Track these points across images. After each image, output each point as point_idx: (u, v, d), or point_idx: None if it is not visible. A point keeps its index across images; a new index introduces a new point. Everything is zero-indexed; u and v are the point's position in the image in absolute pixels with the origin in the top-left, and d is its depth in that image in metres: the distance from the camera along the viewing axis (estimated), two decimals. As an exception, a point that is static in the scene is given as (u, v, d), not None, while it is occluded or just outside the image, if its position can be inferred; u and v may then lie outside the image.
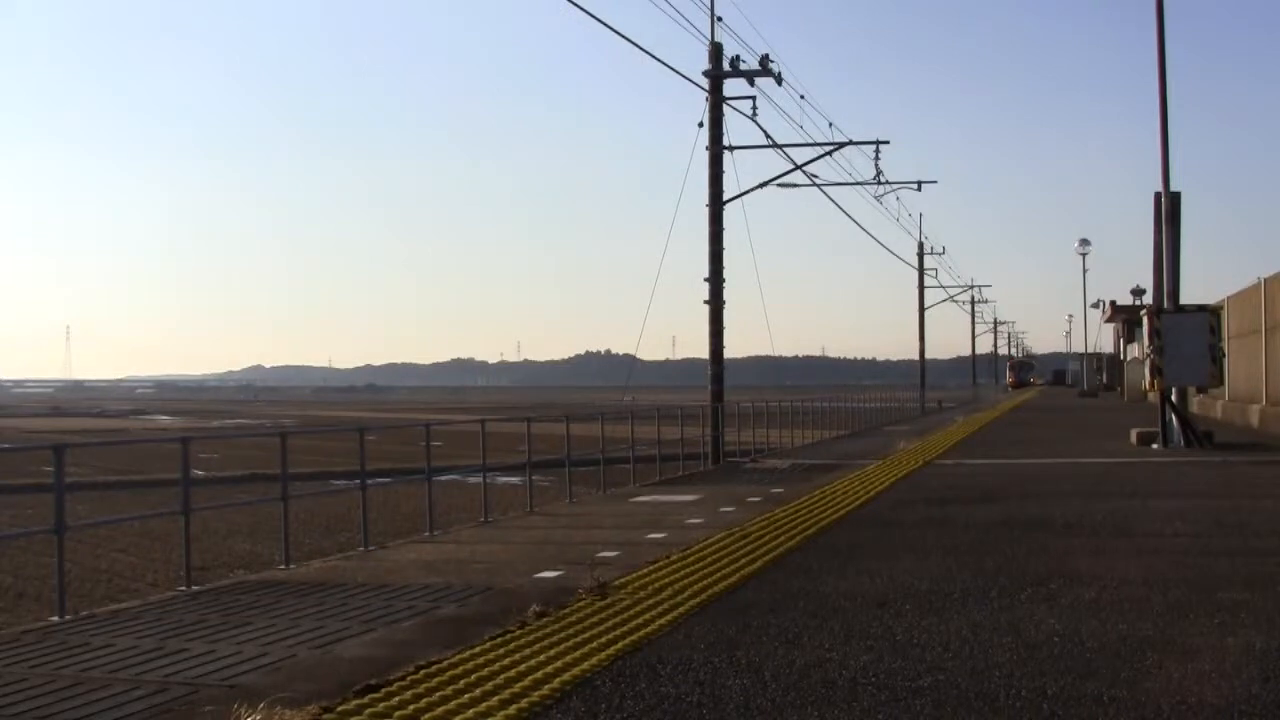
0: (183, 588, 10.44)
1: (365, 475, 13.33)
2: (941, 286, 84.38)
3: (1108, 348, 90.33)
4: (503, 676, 6.38)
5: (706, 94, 25.83)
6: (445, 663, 6.75)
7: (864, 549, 10.92)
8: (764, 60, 26.26)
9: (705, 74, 25.77)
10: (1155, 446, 24.35)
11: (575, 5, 18.68)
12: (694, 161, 30.11)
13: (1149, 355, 25.30)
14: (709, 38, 25.65)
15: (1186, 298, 25.64)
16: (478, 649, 7.09)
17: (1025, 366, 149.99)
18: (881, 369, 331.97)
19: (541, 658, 6.78)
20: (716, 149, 25.98)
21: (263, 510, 21.62)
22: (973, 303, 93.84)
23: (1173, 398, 24.68)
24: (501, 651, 6.99)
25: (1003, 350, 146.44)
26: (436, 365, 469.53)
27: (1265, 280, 30.20)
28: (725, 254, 25.92)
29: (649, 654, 6.88)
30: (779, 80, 26.77)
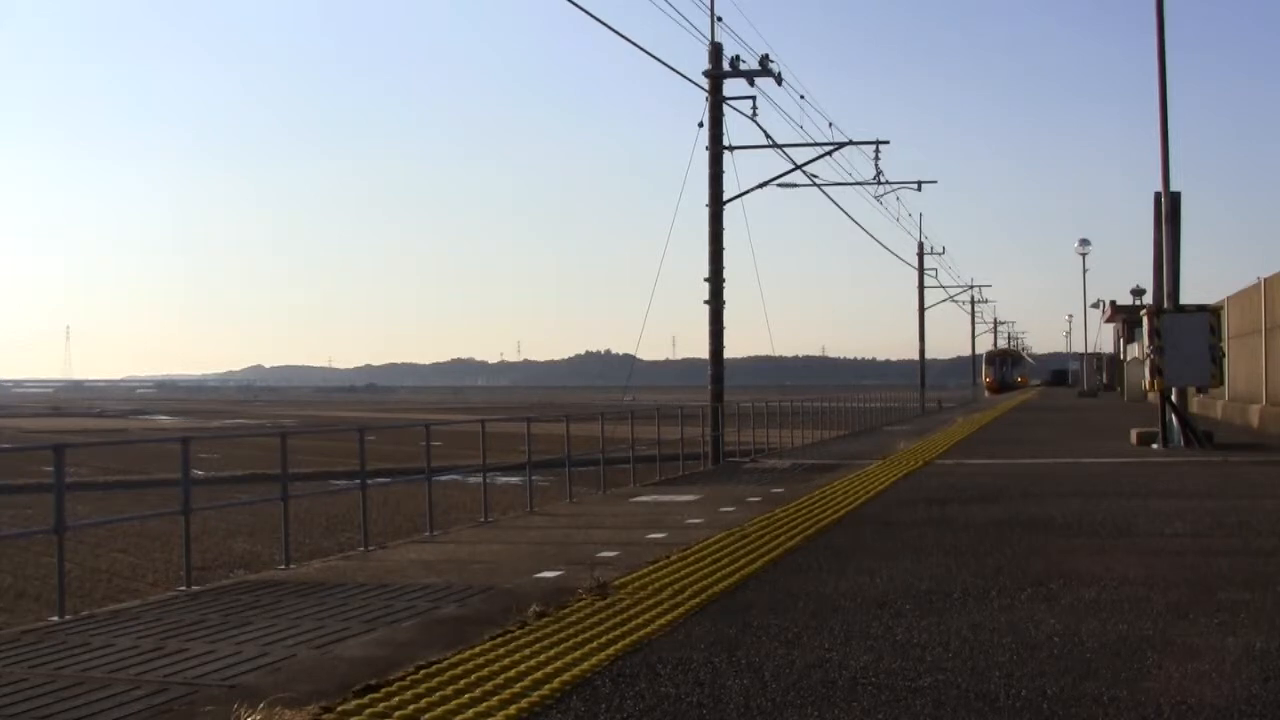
0: (183, 588, 10.44)
1: (365, 475, 13.33)
2: (941, 286, 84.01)
3: (1108, 348, 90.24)
4: (503, 676, 6.38)
5: (706, 94, 25.83)
6: (445, 663, 6.75)
7: (864, 549, 10.92)
8: (764, 60, 26.27)
9: (705, 74, 25.77)
10: (1155, 446, 24.34)
11: (575, 5, 18.69)
12: (694, 161, 30.14)
13: (1149, 355, 25.29)
14: (709, 38, 25.67)
15: (1186, 298, 25.64)
16: (478, 649, 7.08)
17: (1009, 360, 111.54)
18: (881, 369, 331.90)
19: (541, 658, 6.77)
20: (716, 149, 25.97)
21: (263, 510, 21.62)
22: (973, 303, 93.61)
23: (1173, 398, 24.67)
24: (501, 651, 6.99)
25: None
26: (436, 365, 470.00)
27: (1265, 280, 30.18)
28: (725, 254, 25.94)
29: (649, 654, 6.88)
30: (779, 80, 26.79)
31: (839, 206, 47.94)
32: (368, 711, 5.83)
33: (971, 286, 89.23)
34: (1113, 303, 72.90)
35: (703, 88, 25.79)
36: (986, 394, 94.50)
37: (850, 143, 30.94)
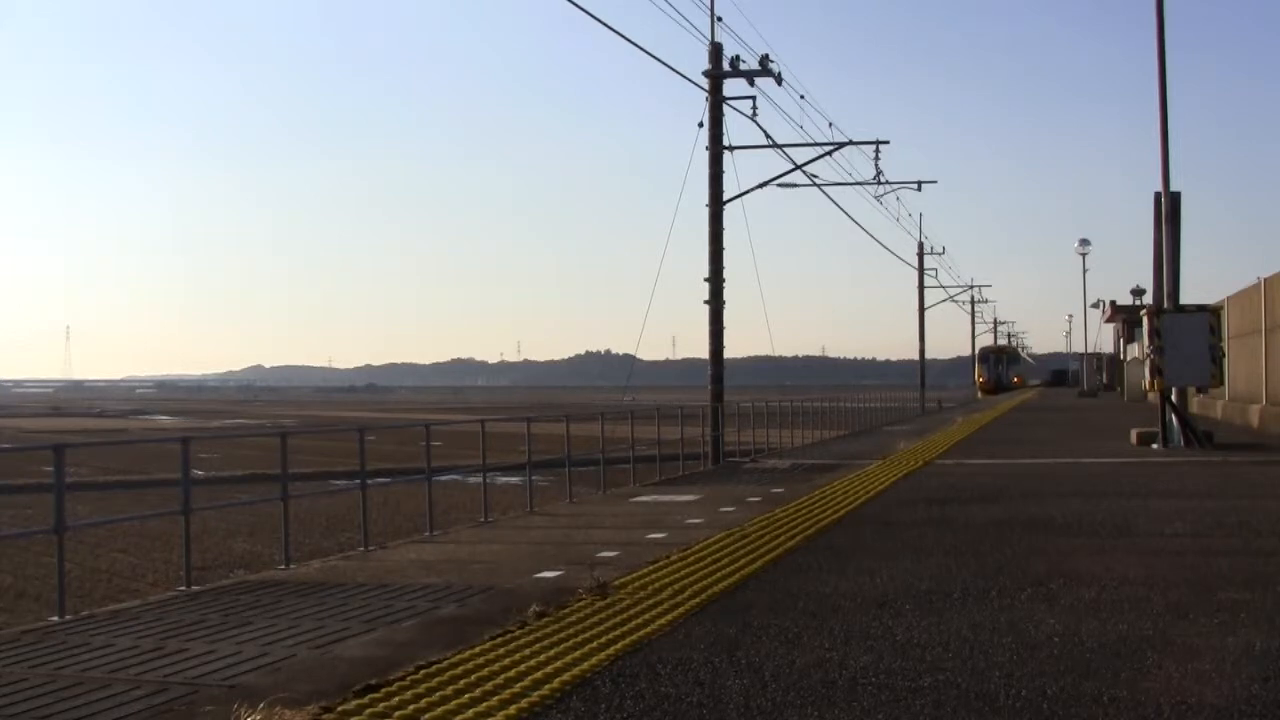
0: (183, 588, 10.44)
1: (365, 475, 13.33)
2: (941, 286, 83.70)
3: (1108, 348, 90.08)
4: (503, 676, 6.38)
5: (706, 94, 25.82)
6: (445, 663, 6.75)
7: (864, 549, 10.92)
8: (764, 60, 26.25)
9: (705, 74, 25.76)
10: (1155, 446, 24.34)
11: (575, 5, 18.69)
12: (694, 161, 30.12)
13: (1149, 355, 25.28)
14: (709, 38, 25.66)
15: (1186, 298, 25.63)
16: (478, 649, 7.08)
17: (1004, 358, 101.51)
18: (881, 369, 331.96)
19: (541, 658, 6.77)
20: (716, 149, 25.96)
21: (263, 510, 21.63)
22: (973, 303, 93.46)
23: (1173, 398, 24.67)
24: (501, 651, 6.99)
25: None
26: (436, 365, 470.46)
27: (1265, 280, 30.18)
28: (725, 254, 25.93)
29: (649, 654, 6.88)
30: (779, 80, 26.77)
31: (839, 206, 48.03)
32: (368, 711, 5.83)
33: (971, 286, 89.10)
34: (1113, 303, 72.91)
35: (703, 88, 25.78)
36: (979, 395, 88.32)
37: (850, 143, 30.95)
